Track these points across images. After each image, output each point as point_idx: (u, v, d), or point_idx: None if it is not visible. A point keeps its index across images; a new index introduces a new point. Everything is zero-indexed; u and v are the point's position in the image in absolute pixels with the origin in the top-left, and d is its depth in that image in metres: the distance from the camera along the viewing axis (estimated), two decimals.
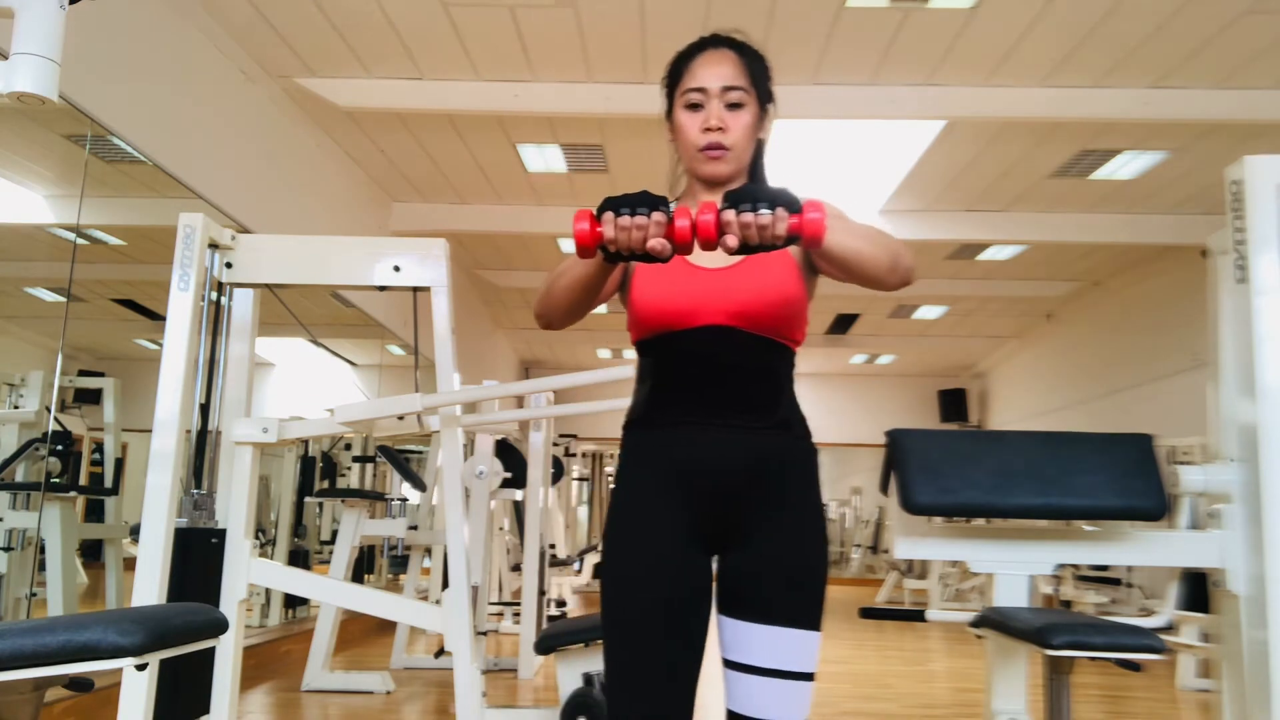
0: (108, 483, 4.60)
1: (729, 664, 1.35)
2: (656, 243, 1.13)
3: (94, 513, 4.67)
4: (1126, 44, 4.44)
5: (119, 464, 4.62)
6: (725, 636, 1.36)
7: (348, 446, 7.34)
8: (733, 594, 1.35)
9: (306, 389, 7.05)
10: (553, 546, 6.69)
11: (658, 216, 1.13)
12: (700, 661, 1.37)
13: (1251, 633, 2.14)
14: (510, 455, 5.24)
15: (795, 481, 1.37)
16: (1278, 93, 4.79)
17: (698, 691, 1.38)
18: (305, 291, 4.78)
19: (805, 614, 1.33)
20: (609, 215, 1.14)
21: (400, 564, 6.79)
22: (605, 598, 1.38)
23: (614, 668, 1.35)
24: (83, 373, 4.44)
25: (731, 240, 1.12)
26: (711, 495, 1.36)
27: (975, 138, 5.54)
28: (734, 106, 1.43)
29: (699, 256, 1.38)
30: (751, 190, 1.13)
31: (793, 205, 1.13)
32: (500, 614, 6.75)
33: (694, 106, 1.45)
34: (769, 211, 1.11)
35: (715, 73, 1.44)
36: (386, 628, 6.35)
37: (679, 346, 1.38)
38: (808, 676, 1.33)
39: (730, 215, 1.12)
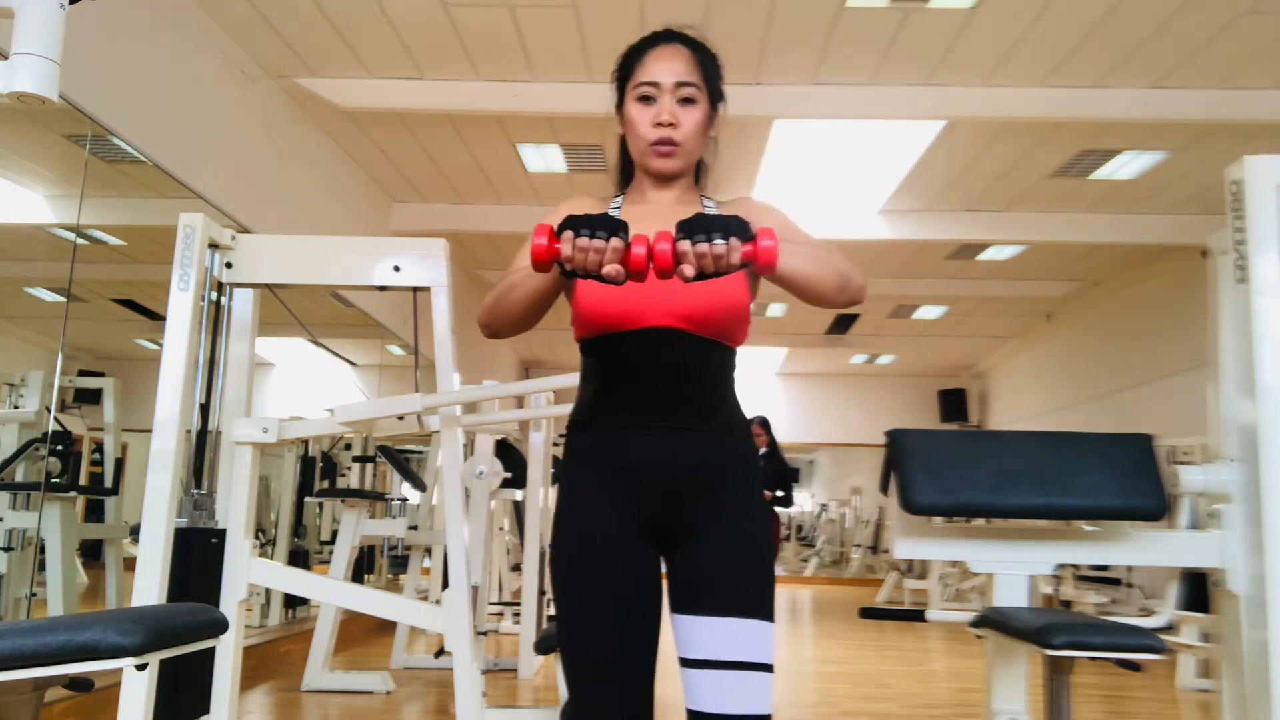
0: (108, 483, 4.60)
1: (685, 662, 1.35)
2: (612, 269, 1.14)
3: (94, 513, 4.67)
4: (1126, 44, 4.44)
5: (119, 464, 4.62)
6: (680, 636, 1.36)
7: (348, 446, 7.34)
8: (683, 592, 1.36)
9: (306, 389, 7.05)
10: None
11: (615, 243, 1.13)
12: (655, 659, 1.37)
13: (1251, 633, 2.14)
14: (510, 455, 5.24)
15: (739, 482, 1.38)
16: (1278, 93, 4.79)
17: (655, 689, 1.38)
18: (305, 291, 4.78)
19: (757, 605, 1.33)
20: (568, 234, 1.14)
21: (400, 564, 6.79)
22: (557, 602, 1.38)
23: (570, 670, 1.36)
24: (83, 373, 4.44)
25: (688, 270, 1.13)
26: (656, 497, 1.36)
27: (975, 138, 5.54)
28: (686, 102, 1.44)
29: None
30: (705, 220, 1.14)
31: (745, 234, 1.14)
32: (500, 614, 6.75)
33: (646, 99, 1.45)
34: (724, 241, 1.12)
35: (668, 67, 1.44)
36: (386, 628, 6.35)
37: (624, 348, 1.37)
38: (766, 668, 1.32)
39: (686, 245, 1.13)
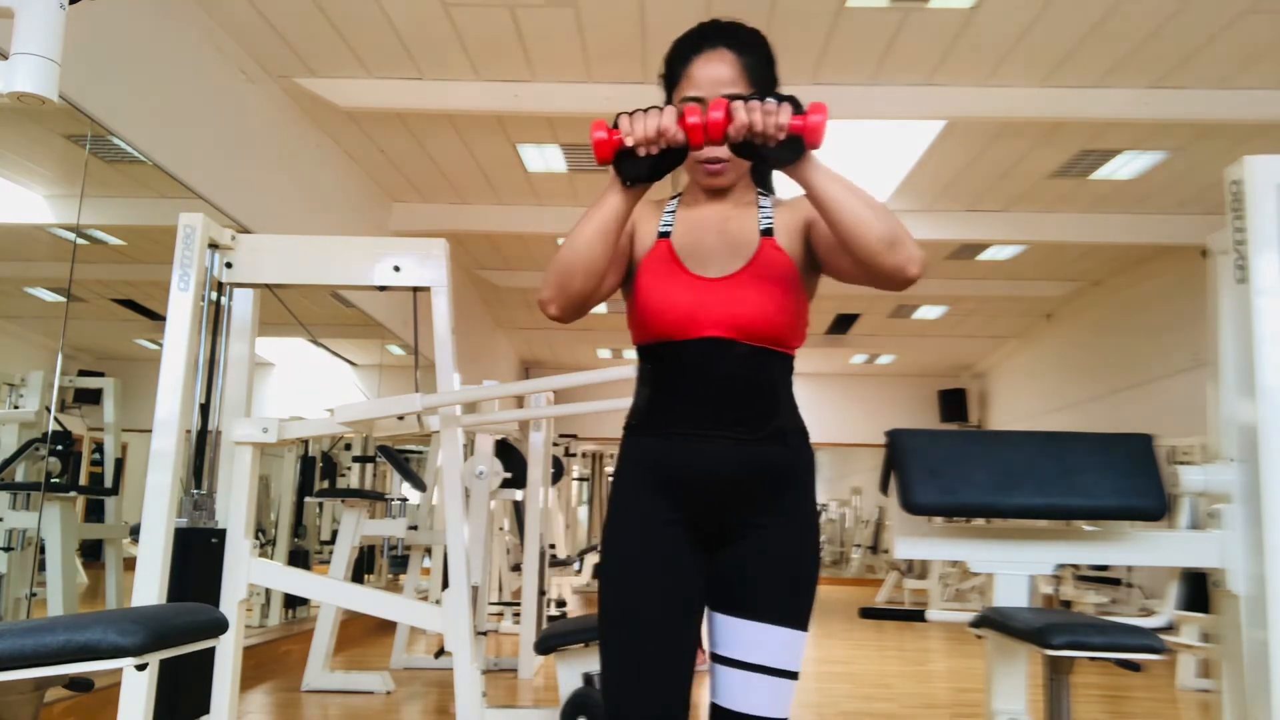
0: (108, 483, 4.60)
1: (716, 658, 1.38)
2: (671, 125, 1.23)
3: (94, 513, 4.67)
4: (1126, 44, 4.44)
5: (119, 464, 4.62)
6: (715, 633, 1.39)
7: (348, 446, 7.33)
8: (725, 591, 1.38)
9: (306, 389, 7.05)
10: (553, 546, 6.70)
11: (669, 109, 1.25)
12: (695, 659, 1.39)
13: (1251, 633, 2.14)
14: (510, 455, 5.23)
15: (789, 489, 1.39)
16: (1278, 93, 4.79)
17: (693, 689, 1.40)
18: (305, 291, 4.78)
19: (794, 613, 1.36)
20: (624, 115, 1.25)
21: (400, 564, 6.79)
22: (603, 600, 1.40)
23: (611, 669, 1.37)
24: (83, 373, 4.44)
25: (741, 116, 1.22)
26: (706, 503, 1.38)
27: (975, 138, 5.54)
28: None
29: (701, 265, 1.40)
30: (759, 94, 1.25)
31: (797, 106, 1.24)
32: (500, 614, 6.75)
33: None
34: (775, 102, 1.22)
35: (712, 78, 1.42)
36: (386, 628, 6.35)
37: (679, 356, 1.39)
38: (792, 675, 1.36)
39: (739, 104, 1.23)
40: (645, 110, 1.23)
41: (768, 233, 1.42)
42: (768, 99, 1.22)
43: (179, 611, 1.63)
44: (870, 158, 5.95)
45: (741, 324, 1.37)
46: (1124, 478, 2.34)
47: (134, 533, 4.28)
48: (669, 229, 1.46)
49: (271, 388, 6.72)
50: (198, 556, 2.84)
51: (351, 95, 5.04)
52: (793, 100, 1.23)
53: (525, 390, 3.75)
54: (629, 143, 1.23)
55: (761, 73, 1.45)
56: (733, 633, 1.35)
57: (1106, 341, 8.71)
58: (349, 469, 7.45)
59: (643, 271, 1.43)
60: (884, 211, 1.31)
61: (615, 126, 1.25)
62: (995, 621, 2.31)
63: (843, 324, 10.35)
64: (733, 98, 1.26)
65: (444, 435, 2.97)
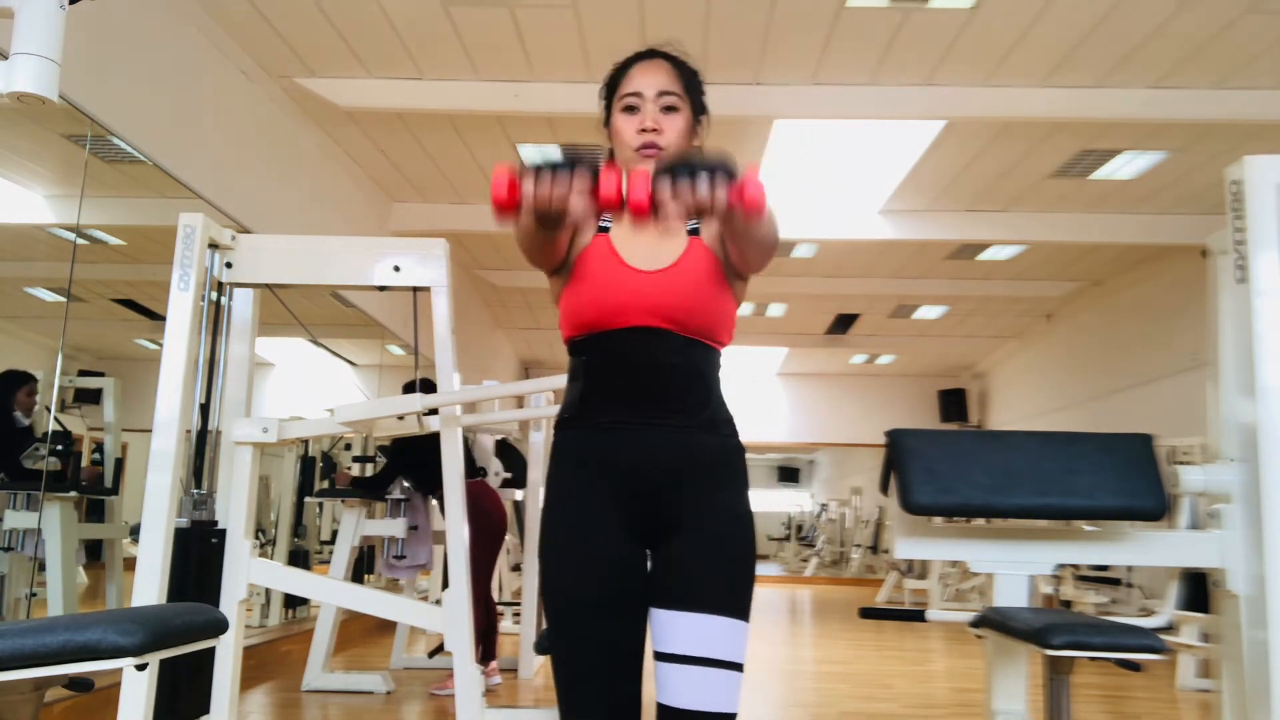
0: (108, 483, 4.60)
1: (659, 656, 1.36)
2: (576, 202, 1.11)
3: (94, 513, 4.67)
4: (1126, 44, 4.44)
5: (119, 464, 4.62)
6: (656, 630, 1.37)
7: (348, 446, 7.33)
8: (663, 586, 1.37)
9: (306, 389, 7.05)
10: None
11: (581, 175, 1.11)
12: (641, 655, 1.39)
13: (1251, 633, 2.14)
14: (510, 455, 5.24)
15: (722, 478, 1.41)
16: (1278, 93, 4.79)
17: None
18: (305, 291, 4.78)
19: (733, 603, 1.35)
20: (529, 173, 1.12)
21: None
22: (545, 601, 1.41)
23: (559, 671, 1.38)
24: (83, 373, 4.44)
25: (671, 215, 1.10)
26: (643, 493, 1.38)
27: (975, 138, 5.54)
28: (669, 110, 1.48)
29: (636, 258, 1.43)
30: (688, 162, 1.10)
31: (732, 175, 1.10)
32: (500, 614, 6.74)
33: (630, 109, 1.49)
34: (708, 184, 1.09)
35: (651, 79, 1.50)
36: (386, 628, 6.35)
37: (610, 346, 1.41)
38: (736, 666, 1.34)
39: (665, 192, 1.09)
40: (554, 172, 1.11)
41: (694, 232, 1.48)
42: (699, 172, 1.08)
43: (179, 611, 1.63)
44: (870, 158, 5.95)
45: (674, 314, 1.39)
46: (1124, 478, 2.34)
47: (134, 533, 4.28)
48: (608, 224, 1.50)
49: (271, 388, 6.72)
50: (198, 556, 2.84)
51: (351, 95, 5.04)
52: (724, 168, 1.09)
53: (525, 390, 3.75)
54: (524, 217, 1.15)
55: (693, 88, 1.53)
56: (673, 627, 1.34)
57: (1106, 341, 8.71)
58: (349, 469, 7.44)
59: (581, 262, 1.46)
60: (774, 223, 1.37)
61: (520, 177, 1.13)
62: (995, 621, 2.31)
63: (843, 324, 10.34)
64: (659, 171, 1.10)
65: (444, 435, 2.97)
